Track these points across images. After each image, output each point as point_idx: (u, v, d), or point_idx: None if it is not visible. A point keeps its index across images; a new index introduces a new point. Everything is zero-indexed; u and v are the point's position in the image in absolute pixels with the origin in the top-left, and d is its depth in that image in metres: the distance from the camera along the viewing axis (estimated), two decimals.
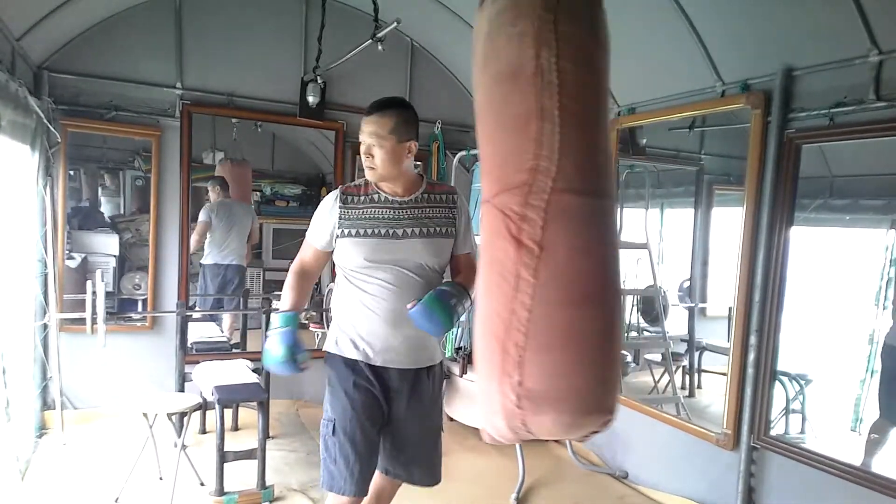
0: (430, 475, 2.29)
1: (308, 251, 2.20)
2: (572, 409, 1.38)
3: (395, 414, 2.16)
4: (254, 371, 3.54)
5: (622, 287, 1.56)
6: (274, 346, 2.06)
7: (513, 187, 1.39)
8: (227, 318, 4.93)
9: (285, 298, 2.18)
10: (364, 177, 2.16)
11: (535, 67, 1.37)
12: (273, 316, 2.18)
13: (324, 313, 4.23)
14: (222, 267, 4.84)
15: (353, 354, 2.10)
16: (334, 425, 2.06)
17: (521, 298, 1.35)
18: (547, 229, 1.35)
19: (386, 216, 2.09)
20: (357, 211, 2.09)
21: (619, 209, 4.33)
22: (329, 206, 2.13)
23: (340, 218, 2.09)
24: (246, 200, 5.21)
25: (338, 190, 2.17)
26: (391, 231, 2.08)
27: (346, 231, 2.09)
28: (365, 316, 2.08)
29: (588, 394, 1.39)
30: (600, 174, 1.44)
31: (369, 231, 2.07)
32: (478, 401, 1.49)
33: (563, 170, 1.36)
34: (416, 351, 2.13)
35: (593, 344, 1.39)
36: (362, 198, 2.12)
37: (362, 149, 2.09)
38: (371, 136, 2.07)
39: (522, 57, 1.39)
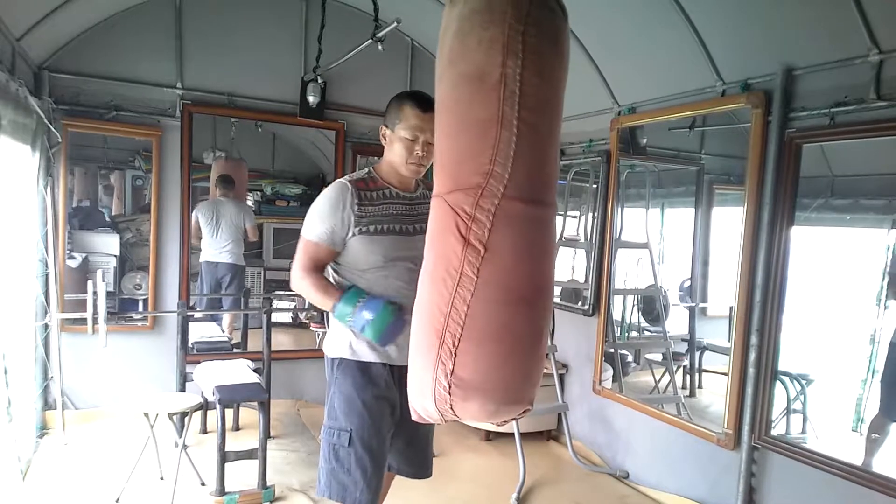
0: (429, 466, 2.30)
1: (321, 251, 2.00)
2: (497, 399, 1.51)
3: (408, 413, 2.13)
4: (254, 371, 3.55)
5: (553, 291, 1.66)
6: (374, 319, 1.91)
7: (467, 188, 1.48)
8: (226, 317, 4.94)
9: (323, 294, 1.98)
10: (363, 171, 2.08)
11: (501, 75, 1.43)
12: (336, 307, 1.95)
13: (325, 313, 4.24)
14: (213, 265, 4.84)
15: (372, 357, 2.01)
16: (350, 436, 1.98)
17: (462, 294, 1.46)
18: (493, 232, 1.45)
19: (399, 212, 2.04)
20: (373, 207, 2.00)
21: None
22: (342, 203, 1.97)
23: (357, 215, 1.97)
24: (240, 198, 5.18)
25: (344, 183, 2.02)
26: (405, 227, 2.03)
27: (363, 229, 1.98)
28: None
29: (513, 386, 1.52)
30: (547, 185, 1.54)
31: (387, 228, 2.00)
32: (410, 382, 1.61)
33: (515, 178, 1.45)
34: None
35: (524, 341, 1.51)
36: (374, 193, 2.02)
37: (418, 145, 1.97)
38: (431, 133, 1.91)
39: (490, 62, 1.44)
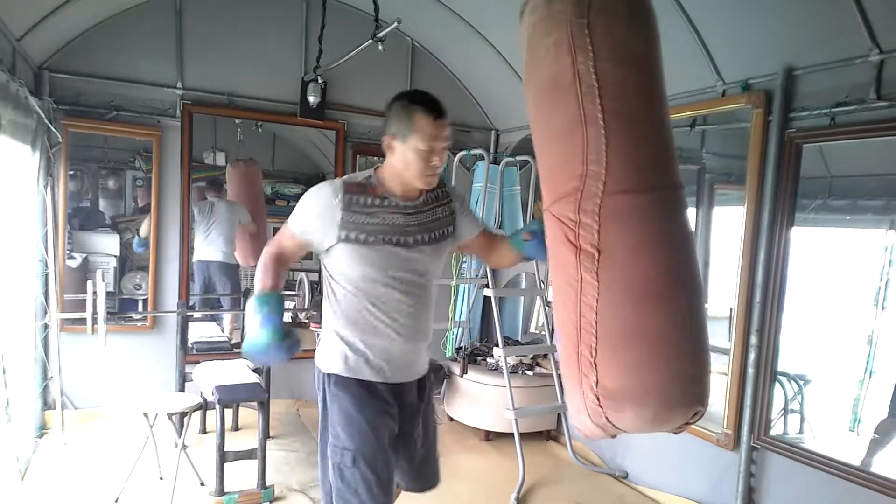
0: (436, 476, 2.23)
1: (290, 242, 1.95)
2: (652, 404, 1.39)
3: (409, 427, 2.03)
4: (254, 371, 3.54)
5: (699, 277, 1.51)
6: (254, 333, 1.85)
7: (566, 195, 1.43)
8: (227, 316, 4.93)
9: (263, 280, 1.92)
10: (364, 173, 1.93)
11: (574, 74, 1.38)
12: (250, 301, 1.92)
13: (322, 313, 4.23)
14: (204, 263, 4.83)
15: (368, 376, 1.91)
16: (354, 455, 1.87)
17: (587, 302, 1.39)
18: (603, 232, 1.38)
19: (398, 222, 1.87)
20: (363, 215, 1.84)
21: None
22: (328, 205, 1.84)
23: (343, 220, 1.83)
24: (254, 199, 5.17)
25: (337, 185, 1.87)
26: (403, 239, 1.88)
27: (351, 236, 1.83)
28: (379, 332, 1.90)
29: (666, 388, 1.40)
30: (655, 168, 1.43)
31: (382, 238, 1.85)
32: (568, 399, 1.53)
33: (613, 171, 1.38)
34: (422, 360, 2.05)
35: (664, 339, 1.39)
36: (370, 200, 1.86)
37: (435, 154, 1.81)
38: (446, 140, 1.83)
39: (560, 65, 1.40)
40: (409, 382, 2.01)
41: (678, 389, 1.41)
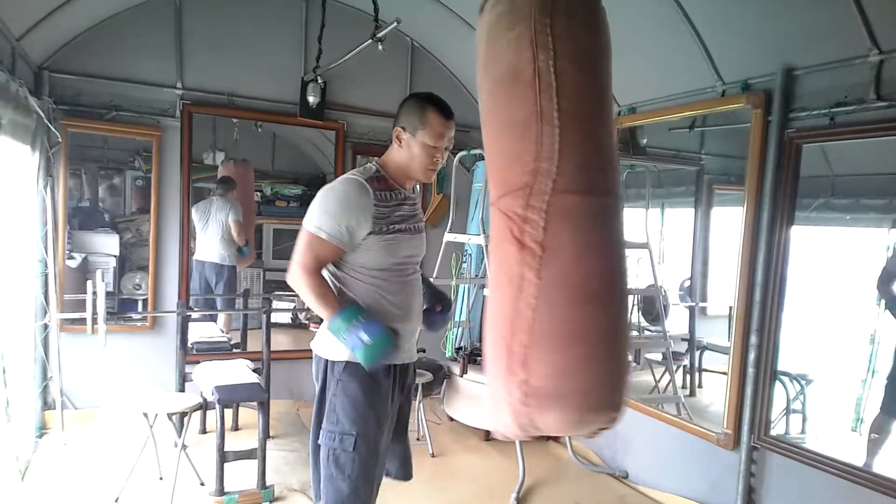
0: (411, 465, 2.27)
1: (327, 250, 1.92)
2: (577, 407, 1.39)
3: (406, 409, 2.17)
4: (254, 371, 3.54)
5: (628, 285, 1.53)
6: (368, 342, 1.86)
7: (515, 190, 1.41)
8: (222, 316, 4.93)
9: (326, 306, 1.91)
10: (369, 167, 2.02)
11: (533, 70, 1.39)
12: (332, 321, 1.90)
13: None
14: (201, 263, 4.82)
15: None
16: (355, 440, 1.91)
17: (525, 299, 1.37)
18: (549, 230, 1.37)
19: (406, 213, 2.03)
20: (387, 208, 1.96)
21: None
22: (363, 200, 1.91)
23: (374, 215, 1.92)
24: (248, 200, 5.18)
25: (361, 182, 1.94)
26: (408, 226, 2.03)
27: (379, 229, 1.93)
28: (391, 316, 1.98)
29: (593, 391, 1.40)
30: (603, 173, 1.44)
31: (398, 228, 1.98)
32: (488, 398, 1.50)
33: (564, 170, 1.37)
34: (415, 342, 2.18)
35: (598, 342, 1.39)
36: (388, 193, 1.98)
37: (439, 151, 1.98)
38: (450, 140, 2.01)
39: (520, 60, 1.40)
40: (409, 364, 2.14)
41: (604, 393, 1.42)
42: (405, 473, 2.24)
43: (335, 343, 1.97)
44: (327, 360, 1.99)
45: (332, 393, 1.97)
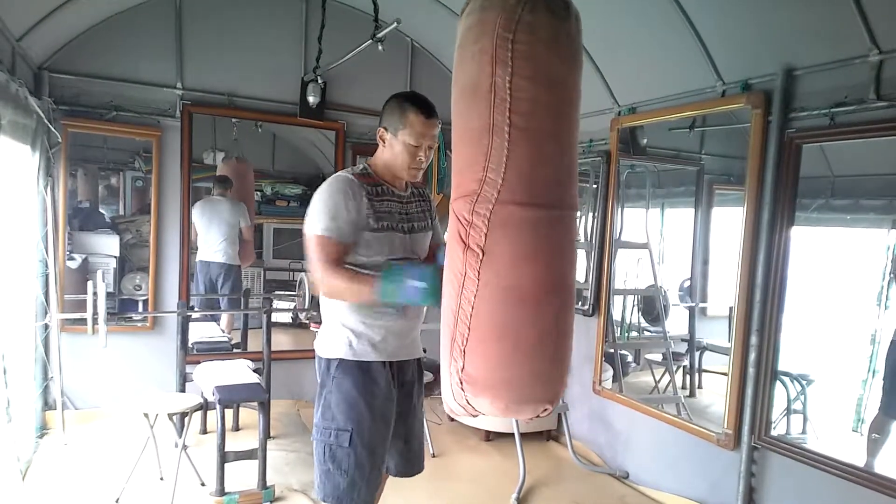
0: (422, 461, 2.28)
1: (337, 249, 1.91)
2: (504, 397, 1.55)
3: (406, 407, 2.13)
4: (254, 371, 3.55)
5: (572, 292, 1.66)
6: (415, 292, 1.83)
7: (466, 195, 1.53)
8: (225, 317, 4.93)
9: (360, 286, 1.87)
10: (358, 166, 2.04)
11: (490, 84, 1.47)
12: (379, 288, 1.84)
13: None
14: (206, 264, 4.83)
15: (373, 357, 1.99)
16: (351, 436, 1.94)
17: (467, 295, 1.52)
18: (490, 236, 1.49)
19: (395, 210, 2.02)
20: (376, 203, 1.97)
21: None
22: (351, 193, 1.92)
23: (367, 209, 1.93)
24: (248, 198, 5.18)
25: (348, 176, 1.96)
26: (402, 225, 2.03)
27: (369, 223, 1.94)
28: (383, 312, 1.99)
29: (519, 384, 1.55)
30: (550, 187, 1.53)
31: (387, 225, 1.98)
32: (441, 380, 1.66)
33: (509, 182, 1.48)
34: (418, 340, 2.17)
35: (527, 341, 1.53)
36: (377, 189, 2.00)
37: (421, 150, 1.99)
38: (433, 139, 2.02)
39: (480, 74, 1.49)
40: (409, 361, 2.13)
41: (531, 387, 1.56)
42: (405, 470, 2.22)
43: (332, 340, 2.02)
44: (326, 359, 2.03)
45: (328, 390, 2.01)
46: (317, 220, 1.91)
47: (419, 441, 2.26)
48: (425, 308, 2.12)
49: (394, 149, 1.99)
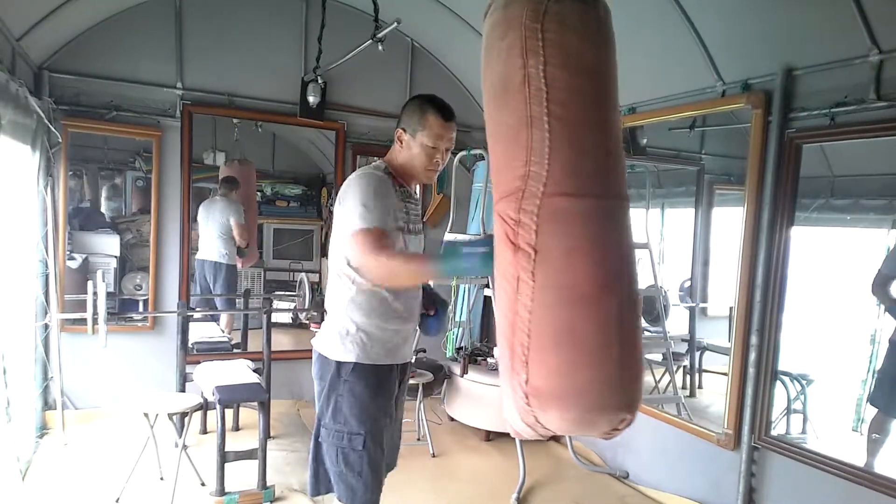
0: (396, 457, 2.32)
1: (386, 237, 1.89)
2: (575, 406, 1.41)
3: (398, 406, 2.21)
4: (254, 371, 3.54)
5: (635, 287, 1.51)
6: (473, 264, 1.73)
7: (509, 194, 1.46)
8: (224, 316, 4.93)
9: (420, 264, 1.88)
10: (376, 164, 2.03)
11: (523, 77, 1.42)
12: (443, 268, 1.79)
13: (324, 314, 4.24)
14: (202, 262, 4.84)
15: (385, 360, 2.02)
16: (364, 440, 1.97)
17: (522, 301, 1.41)
18: (540, 233, 1.40)
19: (409, 211, 2.07)
20: (397, 202, 2.00)
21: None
22: (387, 189, 1.95)
23: (397, 206, 1.98)
24: (250, 199, 5.18)
25: (378, 174, 1.97)
26: (411, 226, 2.06)
27: (398, 222, 1.99)
28: (396, 316, 2.02)
29: (589, 392, 1.41)
30: (597, 175, 1.45)
31: (403, 225, 2.02)
32: (503, 397, 1.53)
33: (554, 174, 1.40)
34: (413, 340, 2.23)
35: (590, 343, 1.40)
36: (397, 188, 2.02)
37: (439, 152, 2.00)
38: (450, 141, 2.03)
39: (511, 68, 1.44)
40: (407, 363, 2.20)
41: (603, 394, 1.42)
42: (390, 466, 2.26)
43: (341, 342, 2.00)
44: (336, 362, 2.00)
45: (339, 393, 2.00)
46: (360, 216, 1.87)
47: (399, 436, 2.31)
48: (417, 313, 2.14)
49: (412, 150, 2.01)
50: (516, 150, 1.44)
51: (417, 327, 2.21)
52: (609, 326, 1.42)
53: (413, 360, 2.29)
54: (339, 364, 2.00)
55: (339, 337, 2.01)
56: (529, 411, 1.42)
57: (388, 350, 2.03)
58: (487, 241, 1.73)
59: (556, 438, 4.28)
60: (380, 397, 2.03)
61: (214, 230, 4.83)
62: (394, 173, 2.04)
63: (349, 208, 1.90)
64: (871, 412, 3.14)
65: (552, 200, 1.40)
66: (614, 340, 1.43)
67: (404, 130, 2.01)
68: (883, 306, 3.10)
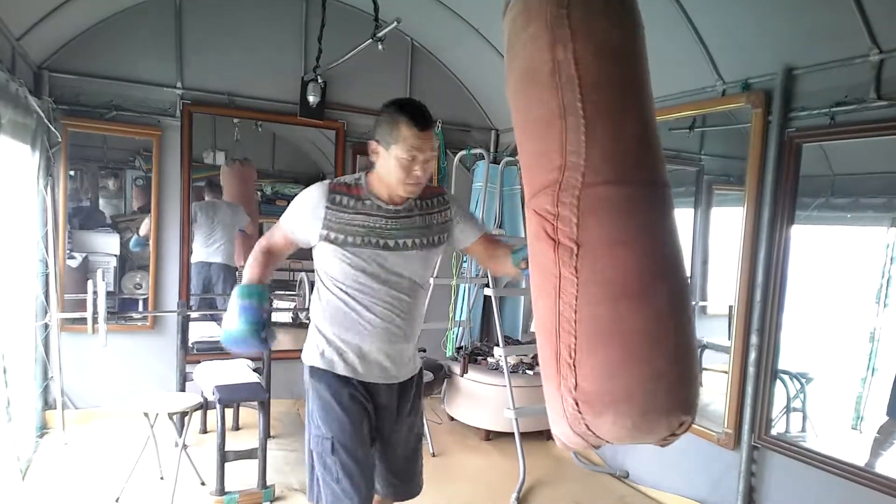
0: (416, 486, 2.20)
1: (281, 237, 2.00)
2: (629, 410, 1.30)
3: (386, 431, 2.06)
4: (254, 371, 3.55)
5: (683, 278, 1.42)
6: (233, 321, 1.86)
7: (545, 187, 1.38)
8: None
9: (251, 271, 1.98)
10: (355, 175, 1.98)
11: (552, 66, 1.36)
12: (234, 290, 1.92)
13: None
14: (206, 265, 4.84)
15: (341, 371, 1.96)
16: (332, 443, 1.91)
17: (566, 299, 1.32)
18: (582, 225, 1.32)
19: (376, 225, 1.91)
20: (345, 215, 1.89)
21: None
22: (314, 204, 1.90)
23: (326, 219, 1.88)
24: (250, 200, 5.19)
25: (325, 185, 1.93)
26: (383, 242, 1.91)
27: (332, 235, 1.89)
28: (354, 329, 1.94)
29: (642, 393, 1.30)
30: (637, 162, 1.37)
31: (359, 240, 1.89)
32: (547, 406, 1.44)
33: (592, 162, 1.32)
34: (402, 365, 2.04)
35: (640, 340, 1.30)
36: (352, 201, 1.90)
37: (416, 164, 1.84)
38: (430, 150, 1.86)
39: (537, 58, 1.38)
40: (382, 385, 2.02)
41: (659, 394, 1.30)
42: (395, 494, 2.16)
43: (309, 347, 2.03)
44: (308, 366, 2.03)
45: (311, 397, 2.01)
46: (286, 209, 2.00)
47: (407, 470, 2.15)
48: (414, 333, 2.04)
49: (387, 164, 1.86)
50: (549, 142, 1.37)
51: (417, 350, 2.12)
52: (661, 320, 1.32)
53: (406, 383, 2.10)
54: (309, 368, 2.02)
55: (309, 340, 2.04)
56: (580, 419, 1.31)
57: (346, 363, 1.95)
58: (247, 315, 1.85)
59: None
60: (344, 400, 1.94)
61: (223, 233, 4.86)
62: (368, 186, 1.93)
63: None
64: (870, 410, 3.14)
65: (593, 190, 1.31)
66: (667, 335, 1.33)
67: (378, 142, 1.87)
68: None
